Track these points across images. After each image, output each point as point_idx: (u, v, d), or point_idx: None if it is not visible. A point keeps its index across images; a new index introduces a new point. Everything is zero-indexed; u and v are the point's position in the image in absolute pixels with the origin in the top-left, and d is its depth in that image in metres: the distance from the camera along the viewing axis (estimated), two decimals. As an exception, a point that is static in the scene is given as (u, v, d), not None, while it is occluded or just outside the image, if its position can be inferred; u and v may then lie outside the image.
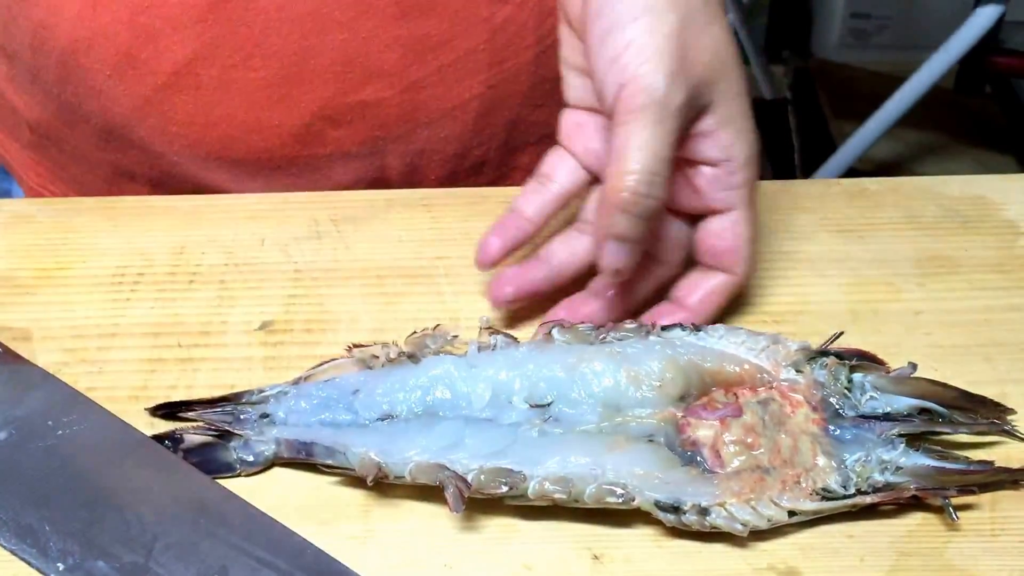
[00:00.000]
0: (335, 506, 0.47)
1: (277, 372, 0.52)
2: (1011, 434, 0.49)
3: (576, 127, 0.54)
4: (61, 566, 0.44)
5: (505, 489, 0.45)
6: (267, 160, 0.66)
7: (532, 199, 0.54)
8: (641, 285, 0.53)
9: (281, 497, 0.48)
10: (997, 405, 0.49)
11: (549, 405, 0.47)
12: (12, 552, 0.45)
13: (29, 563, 0.45)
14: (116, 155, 0.68)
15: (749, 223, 0.51)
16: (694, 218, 0.52)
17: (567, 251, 0.54)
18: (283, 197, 0.63)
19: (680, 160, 0.50)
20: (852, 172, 1.53)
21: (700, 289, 0.52)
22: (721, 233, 0.51)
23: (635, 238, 0.48)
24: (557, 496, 0.45)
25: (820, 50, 2.09)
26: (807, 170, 1.68)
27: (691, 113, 0.48)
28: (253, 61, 0.63)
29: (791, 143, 1.77)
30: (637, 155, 0.46)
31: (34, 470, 0.47)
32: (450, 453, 0.46)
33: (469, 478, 0.45)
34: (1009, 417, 0.49)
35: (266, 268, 0.58)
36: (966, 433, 0.48)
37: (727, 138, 0.49)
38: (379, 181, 0.68)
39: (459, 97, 0.66)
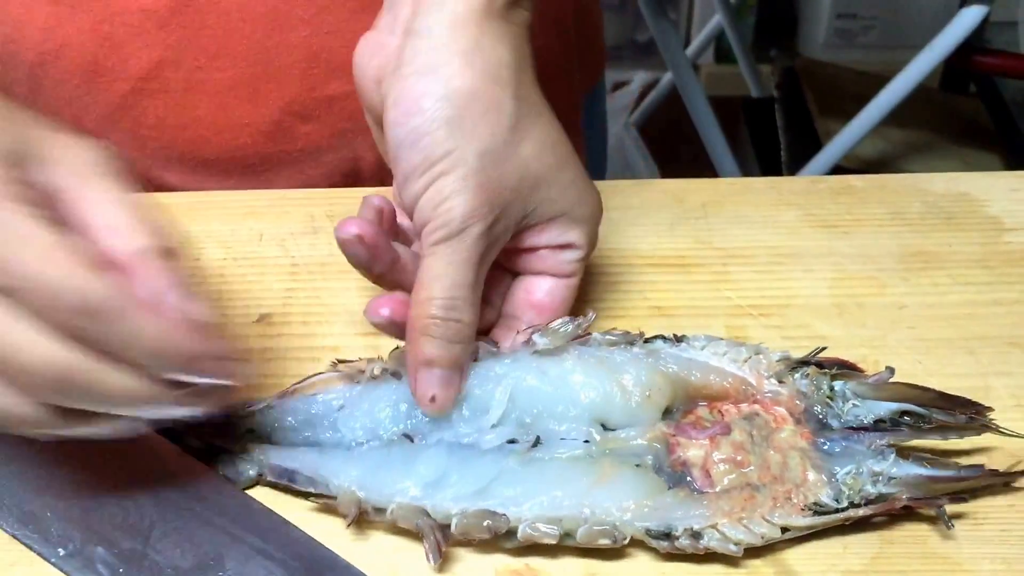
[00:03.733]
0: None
1: (275, 364, 0.53)
2: (990, 428, 0.49)
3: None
4: (62, 551, 0.45)
5: (489, 535, 0.45)
6: (240, 159, 0.67)
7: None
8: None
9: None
10: (974, 404, 0.49)
11: (536, 437, 0.47)
12: (14, 537, 0.46)
13: (31, 548, 0.45)
14: None
15: (575, 291, 0.53)
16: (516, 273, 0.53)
17: None
18: (280, 193, 0.64)
19: (522, 250, 0.52)
20: (838, 169, 1.53)
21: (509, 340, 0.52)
22: (552, 292, 0.52)
23: (445, 361, 0.47)
24: (547, 541, 0.45)
25: (807, 49, 2.10)
26: (793, 167, 1.68)
27: (502, 231, 0.49)
28: (219, 62, 0.63)
29: (778, 141, 1.78)
30: (436, 286, 0.47)
31: (37, 457, 0.47)
32: (434, 492, 0.45)
33: (452, 523, 0.45)
34: (991, 413, 0.49)
35: (264, 262, 0.59)
36: (949, 435, 0.48)
37: (560, 229, 0.51)
38: (353, 174, 0.68)
39: None
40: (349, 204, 0.62)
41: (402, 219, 0.53)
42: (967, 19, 1.42)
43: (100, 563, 0.44)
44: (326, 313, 0.56)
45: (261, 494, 0.48)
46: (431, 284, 0.47)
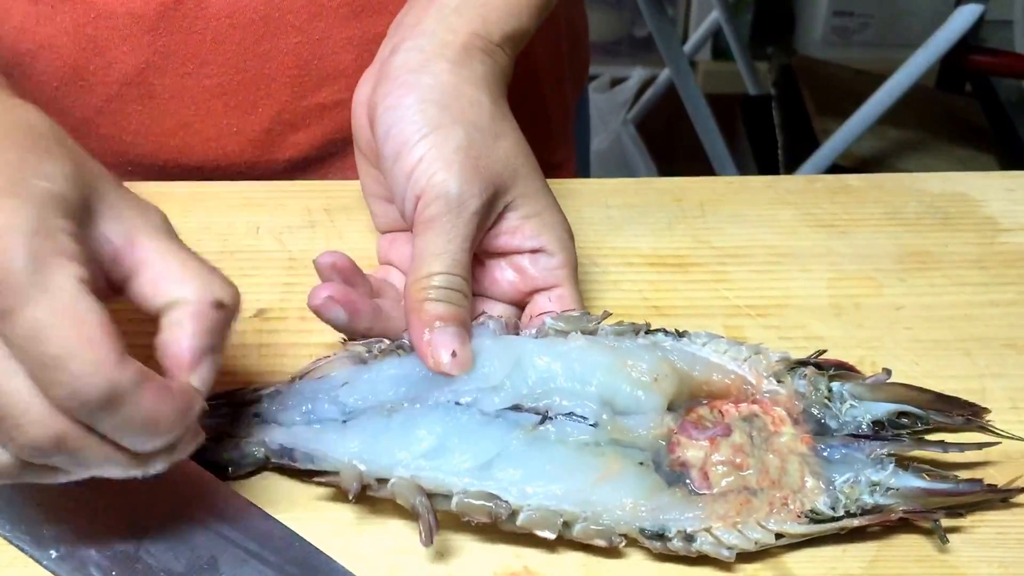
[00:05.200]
0: (329, 492, 0.48)
1: (272, 359, 0.53)
2: (987, 430, 0.49)
3: (390, 243, 0.55)
4: (54, 553, 0.45)
5: (488, 519, 0.45)
6: (226, 168, 0.66)
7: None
8: None
9: (274, 482, 0.48)
10: (971, 405, 0.50)
11: (544, 414, 0.47)
12: (7, 539, 0.45)
13: (23, 550, 0.45)
14: None
15: (573, 299, 0.52)
16: (520, 305, 0.53)
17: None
18: (277, 185, 0.64)
19: (498, 254, 0.52)
20: (835, 168, 1.54)
21: None
22: (546, 306, 0.52)
23: (454, 320, 0.47)
24: (545, 534, 0.45)
25: (803, 47, 2.10)
26: (790, 166, 1.69)
27: (490, 215, 0.50)
28: (207, 68, 0.63)
29: (775, 139, 1.78)
30: (436, 262, 0.48)
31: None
32: (435, 462, 0.45)
33: (453, 501, 0.45)
34: (986, 414, 0.50)
35: (261, 256, 0.59)
36: (950, 449, 0.48)
37: (534, 229, 0.51)
38: None
39: None
40: (345, 197, 0.62)
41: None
42: (963, 17, 1.43)
43: (93, 565, 0.44)
44: (323, 310, 0.56)
45: (269, 482, 0.48)
46: (430, 261, 0.48)
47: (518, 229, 0.51)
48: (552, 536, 0.45)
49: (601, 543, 0.45)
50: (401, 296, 0.51)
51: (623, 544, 0.45)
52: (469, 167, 0.49)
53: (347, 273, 0.50)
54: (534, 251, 0.51)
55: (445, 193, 0.48)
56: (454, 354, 0.47)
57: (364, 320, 0.49)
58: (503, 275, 0.52)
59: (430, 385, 0.47)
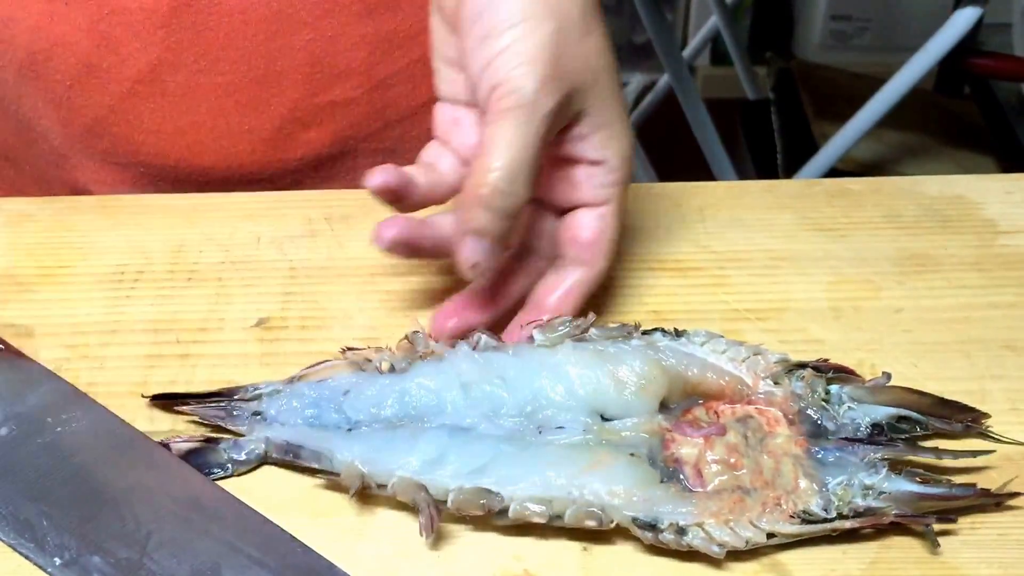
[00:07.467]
0: (328, 497, 0.48)
1: (273, 368, 0.53)
2: (987, 436, 0.49)
3: (452, 123, 0.54)
4: (58, 560, 0.45)
5: (482, 512, 0.45)
6: (237, 167, 0.66)
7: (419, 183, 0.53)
8: (519, 279, 0.54)
9: (275, 488, 0.48)
10: (972, 410, 0.49)
11: (535, 415, 0.47)
12: (10, 546, 0.45)
13: (27, 557, 0.45)
14: (74, 173, 0.67)
15: (617, 219, 0.52)
16: (562, 212, 0.53)
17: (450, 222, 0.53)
18: (278, 196, 0.64)
19: (558, 159, 0.52)
20: (834, 172, 1.54)
21: (558, 289, 0.52)
22: (589, 224, 0.52)
23: (494, 234, 0.48)
24: (536, 520, 0.45)
25: (802, 52, 2.10)
26: (789, 170, 1.69)
27: (563, 117, 0.50)
28: (219, 65, 0.63)
29: (773, 143, 1.78)
30: (501, 153, 0.47)
31: (33, 466, 0.47)
32: (433, 469, 0.46)
33: (449, 498, 0.45)
34: (986, 419, 0.50)
35: (262, 266, 0.59)
36: (944, 456, 0.48)
37: (601, 140, 0.51)
38: (352, 186, 0.68)
39: (427, 94, 0.65)
40: (346, 206, 0.62)
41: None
42: (961, 21, 1.43)
43: (96, 572, 0.44)
44: (324, 317, 0.56)
45: (270, 487, 0.48)
46: (496, 152, 0.47)
47: (586, 138, 0.51)
48: (543, 520, 0.45)
49: (592, 524, 0.45)
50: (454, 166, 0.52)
51: (613, 525, 0.45)
52: (551, 64, 0.48)
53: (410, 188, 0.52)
54: (593, 163, 0.51)
55: (520, 89, 0.47)
56: (475, 266, 0.48)
57: (419, 183, 0.51)
58: (556, 186, 0.52)
59: (430, 410, 0.48)
